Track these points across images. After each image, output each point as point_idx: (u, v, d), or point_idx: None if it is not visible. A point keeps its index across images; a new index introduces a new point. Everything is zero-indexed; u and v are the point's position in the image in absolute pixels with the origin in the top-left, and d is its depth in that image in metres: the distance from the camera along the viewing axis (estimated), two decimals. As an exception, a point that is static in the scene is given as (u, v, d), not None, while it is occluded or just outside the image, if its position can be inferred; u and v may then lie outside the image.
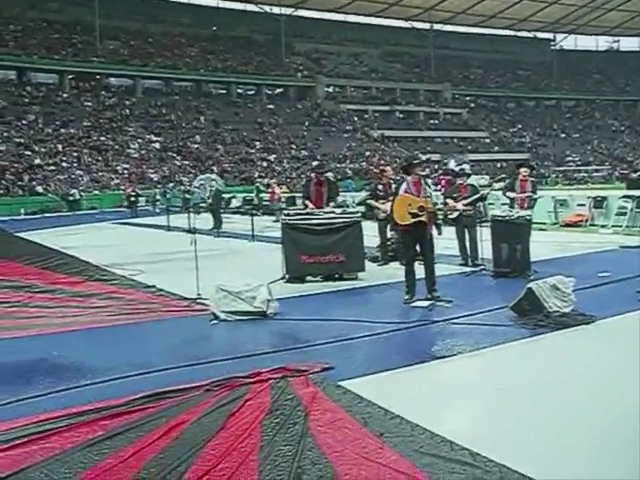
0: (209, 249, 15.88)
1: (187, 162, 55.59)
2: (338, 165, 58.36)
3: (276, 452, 4.35)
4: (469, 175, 13.19)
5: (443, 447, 4.42)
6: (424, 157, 10.09)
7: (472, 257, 12.32)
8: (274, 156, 61.02)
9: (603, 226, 18.77)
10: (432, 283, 9.40)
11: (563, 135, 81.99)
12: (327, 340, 7.34)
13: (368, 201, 13.64)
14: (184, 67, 68.47)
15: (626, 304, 8.66)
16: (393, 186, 11.73)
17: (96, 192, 46.81)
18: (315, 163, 17.19)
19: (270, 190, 29.44)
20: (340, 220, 11.36)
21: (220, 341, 7.73)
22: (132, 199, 38.13)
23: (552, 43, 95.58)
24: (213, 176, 27.64)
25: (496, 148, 74.24)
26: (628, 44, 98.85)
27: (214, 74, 70.00)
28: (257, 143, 62.80)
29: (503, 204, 12.79)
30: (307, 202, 12.04)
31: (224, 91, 71.96)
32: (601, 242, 15.54)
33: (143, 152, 55.34)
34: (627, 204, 18.56)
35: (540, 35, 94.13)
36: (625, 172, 64.73)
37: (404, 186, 9.48)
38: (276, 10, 77.06)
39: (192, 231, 11.86)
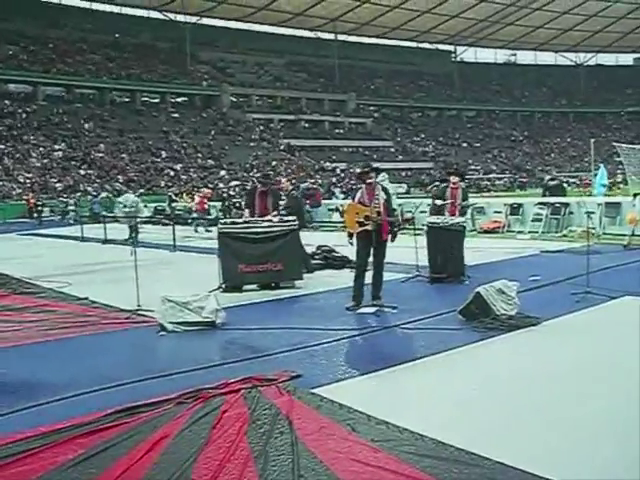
0: (138, 260, 15.47)
1: (92, 171, 54.16)
2: (245, 174, 58.06)
3: (272, 462, 4.28)
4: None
5: (438, 448, 4.46)
6: (375, 164, 9.98)
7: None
8: (180, 165, 60.22)
9: (520, 232, 19.33)
10: (378, 290, 9.45)
11: (465, 144, 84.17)
12: (285, 348, 7.27)
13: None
14: (87, 74, 66.85)
15: (564, 306, 8.99)
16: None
17: (-4, 202, 45.00)
18: (259, 173, 17.13)
19: (200, 200, 28.64)
20: (277, 228, 11.29)
21: (174, 352, 7.51)
22: (38, 209, 37.00)
23: (453, 55, 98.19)
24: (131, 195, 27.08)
25: (400, 157, 75.48)
26: (525, 57, 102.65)
27: (117, 81, 68.58)
28: (163, 152, 61.82)
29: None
30: (246, 211, 11.91)
31: (128, 99, 70.68)
32: (521, 247, 15.98)
33: (45, 161, 53.62)
34: (542, 211, 19.20)
35: (442, 47, 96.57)
36: (524, 180, 67.04)
37: (359, 194, 9.53)
38: (180, 18, 76.36)
39: (131, 242, 11.47)
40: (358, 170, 10.13)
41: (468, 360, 6.83)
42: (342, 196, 49.51)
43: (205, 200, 28.70)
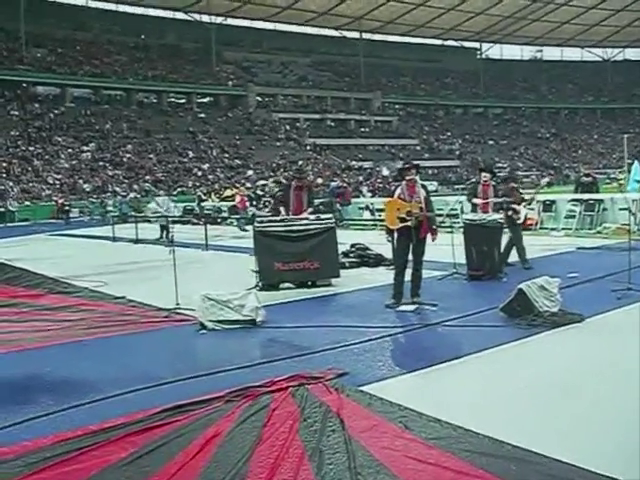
0: (167, 259, 15.52)
1: (119, 172, 54.64)
2: (272, 174, 58.12)
3: (328, 460, 4.24)
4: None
5: (494, 446, 4.39)
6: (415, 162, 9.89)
7: (504, 262, 12.21)
8: (207, 165, 60.49)
9: (553, 229, 19.14)
10: (417, 287, 9.39)
11: (491, 142, 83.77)
12: (327, 346, 7.23)
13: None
14: (113, 75, 67.34)
15: (606, 303, 8.86)
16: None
17: (27, 203, 45.43)
18: (295, 168, 17.03)
19: (241, 198, 28.45)
20: (314, 226, 11.26)
21: (217, 351, 7.51)
22: (65, 209, 37.32)
23: (479, 52, 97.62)
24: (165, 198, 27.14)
25: (426, 155, 75.16)
26: (551, 53, 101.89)
27: (144, 83, 69.01)
28: (189, 152, 62.15)
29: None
30: (282, 208, 11.87)
31: (155, 100, 71.13)
32: (557, 244, 15.85)
33: (74, 162, 54.14)
34: (575, 207, 19.00)
35: (467, 44, 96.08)
36: (552, 177, 66.39)
37: (399, 190, 9.47)
38: (205, 18, 76.65)
39: (169, 241, 11.35)
40: (399, 166, 10.06)
41: (514, 357, 6.75)
42: (369, 194, 49.45)
43: (246, 198, 28.43)
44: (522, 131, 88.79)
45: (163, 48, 74.86)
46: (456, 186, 60.72)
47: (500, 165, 70.69)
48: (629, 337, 7.30)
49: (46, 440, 4.76)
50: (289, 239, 11.17)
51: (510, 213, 12.26)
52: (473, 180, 14.20)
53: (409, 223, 9.20)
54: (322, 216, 11.77)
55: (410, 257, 9.50)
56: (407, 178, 9.42)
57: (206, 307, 8.44)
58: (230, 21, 79.27)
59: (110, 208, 38.75)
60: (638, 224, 16.88)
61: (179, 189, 51.01)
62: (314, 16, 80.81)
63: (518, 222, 12.37)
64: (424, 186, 9.70)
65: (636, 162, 25.05)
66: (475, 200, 12.32)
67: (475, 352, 6.78)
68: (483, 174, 12.35)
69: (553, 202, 20.00)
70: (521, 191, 12.76)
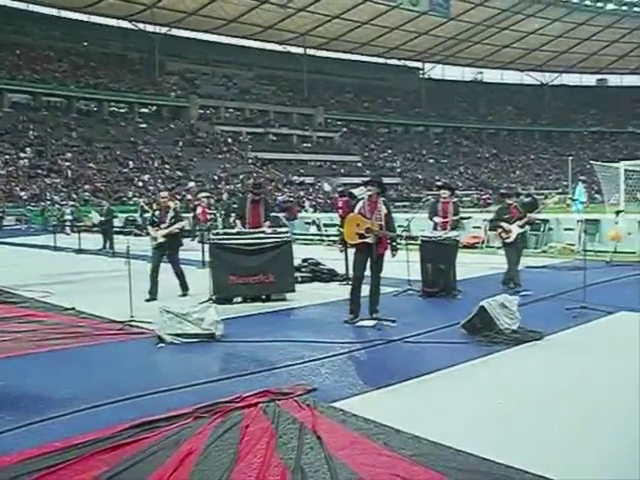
0: (116, 269, 15.23)
1: (58, 180, 53.49)
2: (212, 187, 57.68)
3: (311, 478, 4.15)
4: (519, 195, 12.95)
5: (478, 463, 4.39)
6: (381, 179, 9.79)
7: (507, 278, 11.98)
8: (148, 176, 59.72)
9: (499, 247, 19.33)
10: (376, 303, 9.36)
11: (431, 160, 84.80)
12: (292, 362, 7.14)
13: (148, 227, 12.73)
14: (54, 82, 66.08)
15: (562, 321, 9.02)
16: (170, 214, 12.00)
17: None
18: (251, 181, 16.82)
19: (202, 210, 26.54)
20: (270, 240, 11.15)
21: (178, 365, 7.32)
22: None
23: (421, 72, 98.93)
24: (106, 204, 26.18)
25: (368, 172, 75.29)
26: (491, 75, 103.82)
27: (85, 90, 67.87)
28: (130, 162, 61.28)
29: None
30: (237, 221, 11.72)
31: (95, 108, 70.03)
32: (504, 262, 15.95)
33: (11, 169, 52.84)
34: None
35: (410, 64, 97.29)
36: (487, 197, 67.63)
37: (359, 205, 9.42)
38: (150, 28, 75.95)
39: (112, 253, 11.09)
40: (365, 181, 10.01)
41: (480, 374, 6.76)
42: (311, 209, 49.48)
43: (208, 209, 26.78)
44: (462, 150, 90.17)
45: (106, 56, 73.83)
46: (397, 203, 61.24)
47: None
48: (587, 354, 7.47)
49: (10, 459, 4.55)
50: (244, 252, 11.03)
51: (499, 231, 12.13)
52: (429, 197, 14.24)
53: (368, 240, 9.17)
54: (279, 230, 11.68)
55: (368, 273, 9.47)
56: (370, 195, 9.40)
57: (164, 320, 8.24)
58: (175, 32, 78.71)
59: (68, 217, 36.17)
60: (582, 244, 17.18)
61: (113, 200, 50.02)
62: (259, 30, 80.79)
63: (507, 241, 12.02)
64: (386, 203, 9.67)
65: (579, 183, 25.67)
66: (435, 218, 12.30)
67: (442, 369, 6.76)
68: (442, 191, 12.38)
69: (499, 221, 20.23)
70: (520, 209, 12.35)
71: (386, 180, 69.35)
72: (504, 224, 11.91)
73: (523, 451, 4.64)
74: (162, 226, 11.91)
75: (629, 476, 4.25)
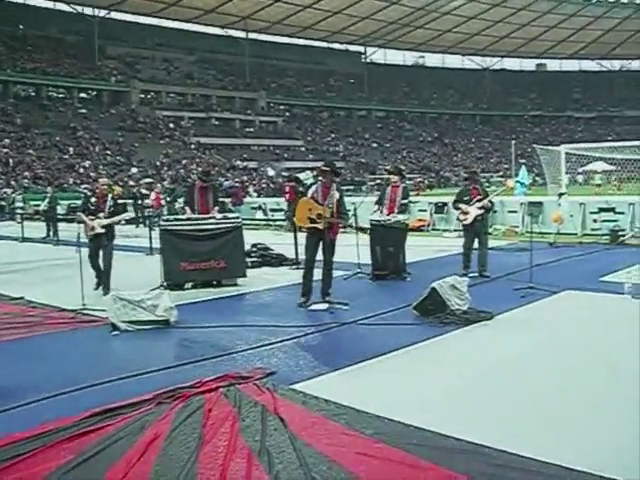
0: (62, 257, 15.06)
1: (-5, 167, 52.26)
2: (154, 173, 56.99)
3: (277, 459, 4.22)
4: (477, 180, 12.46)
5: (436, 439, 4.53)
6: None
7: (481, 266, 11.60)
8: (89, 162, 58.70)
9: (445, 230, 19.69)
10: (328, 286, 9.47)
11: (375, 144, 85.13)
12: (248, 346, 7.21)
13: (78, 213, 11.52)
14: (-12, 66, 64.37)
15: (511, 300, 9.34)
16: (108, 202, 10.98)
17: None
18: (200, 169, 16.66)
19: (156, 196, 26.62)
20: (221, 226, 11.16)
21: (134, 352, 7.31)
22: None
23: (363, 56, 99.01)
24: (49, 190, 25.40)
25: (311, 156, 75.43)
26: (433, 60, 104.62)
27: (22, 75, 66.15)
28: (70, 148, 60.07)
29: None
30: (187, 208, 11.67)
31: (33, 93, 68.41)
32: (449, 245, 16.25)
33: (-56, 156, 51.46)
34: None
35: (352, 48, 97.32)
36: (432, 180, 68.44)
37: (313, 189, 9.51)
38: (88, 11, 74.38)
39: (56, 241, 10.83)
40: (319, 166, 10.06)
41: (434, 353, 6.96)
42: (255, 194, 49.38)
43: (161, 196, 26.65)
44: (405, 135, 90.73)
45: (43, 40, 71.92)
46: (341, 187, 61.36)
47: (382, 167, 72.07)
48: (535, 332, 7.72)
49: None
50: (195, 238, 11.03)
51: (458, 214, 12.10)
52: (378, 182, 14.31)
53: (319, 225, 9.27)
54: (229, 215, 11.69)
55: (319, 257, 9.57)
56: (323, 180, 9.50)
57: (117, 307, 8.21)
58: (114, 15, 76.99)
59: (19, 204, 33.34)
60: (526, 226, 17.56)
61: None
62: (200, 14, 79.71)
63: (464, 223, 11.87)
64: (339, 189, 9.78)
65: (523, 167, 26.15)
66: (376, 207, 12.43)
67: (396, 349, 6.91)
68: (392, 176, 12.51)
69: (445, 204, 20.54)
70: (482, 190, 12.14)
71: (330, 164, 69.97)
72: (462, 205, 11.80)
73: (477, 425, 4.81)
74: (101, 215, 10.89)
75: (575, 445, 4.44)
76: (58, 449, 4.47)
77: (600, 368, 6.16)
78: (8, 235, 22.76)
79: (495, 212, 19.26)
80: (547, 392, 5.59)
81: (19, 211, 28.90)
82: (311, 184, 9.83)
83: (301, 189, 11.48)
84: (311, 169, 10.24)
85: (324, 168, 9.65)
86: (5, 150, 54.96)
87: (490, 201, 11.91)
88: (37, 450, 4.44)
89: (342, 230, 10.09)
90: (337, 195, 9.49)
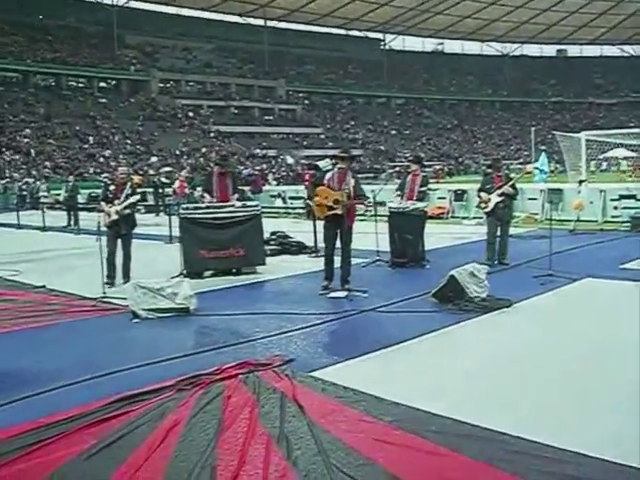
0: (83, 246, 15.19)
1: (17, 157, 52.60)
2: (174, 161, 57.17)
3: (296, 445, 4.26)
4: (499, 167, 12.37)
5: (455, 425, 4.55)
6: (355, 152, 9.90)
7: (501, 254, 11.57)
8: (109, 152, 58.98)
9: (464, 218, 19.63)
10: (347, 274, 9.51)
11: (394, 132, 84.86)
12: (268, 333, 7.25)
13: (100, 202, 11.35)
14: (9, 56, 64.65)
15: (531, 288, 9.29)
16: (126, 191, 10.86)
17: None
18: (216, 155, 16.63)
19: (180, 184, 26.13)
20: (240, 214, 11.19)
21: (155, 339, 7.36)
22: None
23: (382, 43, 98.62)
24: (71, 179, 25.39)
25: (330, 144, 75.12)
26: (452, 46, 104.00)
27: (42, 65, 66.51)
28: (90, 138, 60.36)
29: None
30: (206, 195, 11.70)
31: (53, 83, 68.77)
32: (469, 232, 16.24)
33: (-32, 146, 51.89)
34: (486, 197, 19.50)
35: (371, 35, 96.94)
36: (452, 167, 68.16)
37: (328, 175, 9.56)
38: (107, 0, 74.74)
39: (78, 230, 10.83)
40: (336, 153, 10.08)
41: (453, 341, 6.96)
42: (275, 182, 49.43)
43: (185, 184, 26.25)
44: (424, 122, 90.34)
45: (63, 30, 72.29)
46: (359, 175, 61.32)
47: (401, 155, 71.87)
48: (554, 320, 7.70)
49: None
50: (214, 226, 11.07)
51: (479, 201, 12.04)
52: (396, 170, 14.30)
53: (337, 211, 9.31)
54: (248, 203, 11.72)
55: (338, 245, 9.62)
56: (339, 167, 9.53)
57: (138, 295, 8.29)
58: (133, 4, 77.41)
59: (44, 193, 33.47)
60: (546, 213, 17.47)
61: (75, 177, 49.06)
62: (219, 2, 79.83)
63: (485, 210, 11.83)
64: (354, 175, 9.85)
65: (543, 154, 25.98)
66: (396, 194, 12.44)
67: (415, 337, 6.92)
68: (412, 165, 12.54)
69: (464, 192, 20.50)
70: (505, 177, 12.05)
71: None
72: (483, 194, 11.78)
73: (495, 412, 4.82)
74: (116, 202, 10.84)
75: (597, 434, 4.43)
76: (81, 434, 4.54)
77: (620, 355, 6.13)
78: (30, 224, 22.91)
79: (515, 199, 19.22)
80: (566, 379, 5.59)
81: (43, 200, 29.02)
82: (326, 171, 9.84)
83: (316, 175, 11.44)
84: (330, 157, 10.25)
85: (342, 154, 9.69)
86: (26, 140, 55.35)
87: (512, 186, 11.80)
88: (60, 435, 4.51)
89: (361, 218, 10.13)
90: (353, 181, 9.54)
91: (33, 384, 5.71)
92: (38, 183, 37.11)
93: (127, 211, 10.87)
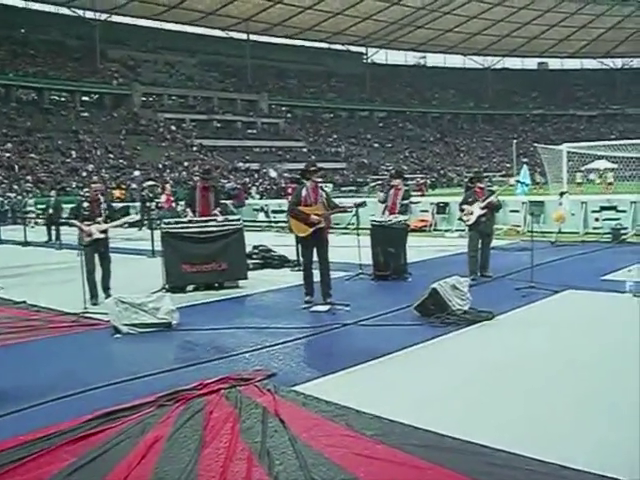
0: (65, 261, 15.11)
1: (-2, 172, 52.33)
2: (157, 175, 57.00)
3: (277, 461, 4.24)
4: (481, 180, 12.20)
5: (436, 439, 4.54)
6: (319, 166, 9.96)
7: (483, 267, 11.51)
8: (91, 166, 58.72)
9: (447, 230, 19.69)
10: (328, 287, 9.52)
11: (376, 145, 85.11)
12: (249, 348, 7.23)
13: (71, 221, 11.03)
14: (-10, 70, 64.45)
15: (512, 300, 9.34)
16: (102, 206, 10.63)
17: None
18: (199, 169, 16.62)
19: (167, 197, 26.14)
20: (222, 228, 11.18)
21: (136, 355, 7.33)
22: None
23: (364, 57, 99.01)
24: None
25: (313, 157, 75.18)
26: (434, 60, 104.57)
27: (24, 79, 66.29)
28: (73, 152, 60.14)
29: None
30: (188, 210, 11.68)
31: (35, 97, 68.52)
32: (452, 245, 16.26)
33: (-53, 160, 51.53)
34: (467, 209, 19.58)
35: (353, 49, 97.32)
36: (434, 180, 68.39)
37: (304, 192, 9.56)
38: (90, 15, 74.51)
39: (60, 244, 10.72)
40: (304, 169, 10.08)
41: (436, 354, 6.97)
42: (258, 196, 49.41)
43: (172, 197, 26.24)
44: (407, 135, 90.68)
45: (45, 44, 72.01)
46: (343, 188, 61.62)
47: (384, 168, 72.04)
48: (536, 332, 7.71)
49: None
50: (196, 240, 11.06)
51: (462, 214, 11.96)
52: (378, 183, 14.35)
53: (321, 225, 9.37)
54: (230, 217, 11.72)
55: (315, 258, 9.66)
56: (314, 180, 9.57)
57: (119, 310, 8.24)
58: (115, 18, 77.22)
59: (31, 208, 33.35)
60: (528, 225, 17.54)
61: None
62: (201, 16, 79.89)
63: (468, 223, 11.71)
64: (322, 187, 9.98)
65: (524, 166, 26.13)
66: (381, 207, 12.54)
67: (397, 350, 6.92)
68: (394, 180, 12.59)
69: (446, 204, 20.56)
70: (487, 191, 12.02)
71: (331, 165, 70.04)
72: (465, 206, 11.66)
73: (479, 426, 4.81)
74: (99, 220, 10.45)
75: (581, 445, 4.44)
76: (60, 452, 4.50)
77: (601, 367, 6.17)
78: (11, 239, 22.77)
79: (498, 212, 19.32)
80: (548, 392, 5.60)
81: (30, 215, 28.82)
82: (300, 189, 9.82)
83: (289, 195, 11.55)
84: (300, 174, 10.33)
85: (312, 169, 9.71)
86: (8, 154, 55.04)
87: (497, 199, 11.78)
88: (39, 453, 4.47)
89: (344, 231, 10.15)
90: (324, 193, 9.76)
91: (11, 401, 5.66)
92: (26, 198, 37.02)
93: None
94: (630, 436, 4.48)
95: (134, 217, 11.07)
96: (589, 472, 3.97)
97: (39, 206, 31.77)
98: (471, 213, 11.57)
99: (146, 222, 25.85)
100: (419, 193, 40.50)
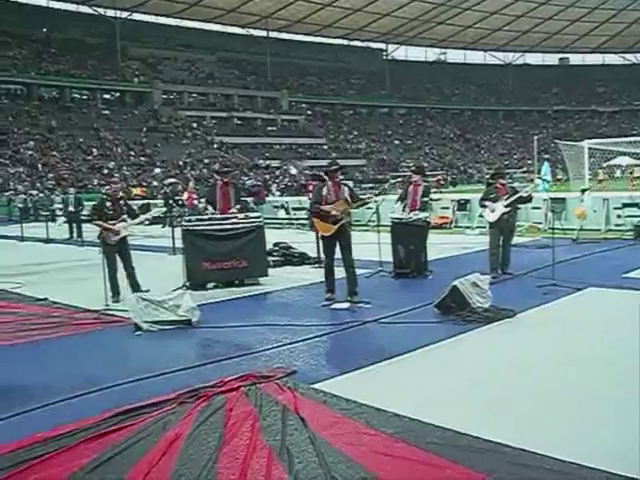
0: (86, 259, 15.20)
1: (21, 169, 52.75)
2: (177, 172, 57.25)
3: (297, 458, 4.24)
4: (501, 175, 12.13)
5: (456, 437, 4.52)
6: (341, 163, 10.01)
7: (503, 264, 11.40)
8: (113, 163, 59.08)
9: (468, 227, 19.61)
10: (354, 285, 9.52)
11: (397, 142, 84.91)
12: (270, 345, 7.25)
13: (95, 222, 10.68)
14: (13, 69, 64.92)
15: (533, 298, 9.21)
16: (122, 203, 10.65)
17: None
18: (217, 166, 16.71)
19: (189, 195, 25.98)
20: (242, 225, 11.20)
21: (157, 352, 7.36)
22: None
23: (384, 53, 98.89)
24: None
25: (334, 154, 75.20)
26: (454, 56, 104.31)
27: (46, 77, 66.80)
28: (94, 150, 60.55)
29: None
30: (209, 207, 11.72)
31: (57, 95, 68.97)
32: (473, 242, 16.19)
33: (-29, 158, 52.05)
34: (488, 206, 19.49)
35: (373, 45, 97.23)
36: (455, 177, 68.19)
37: (324, 191, 9.57)
38: (110, 13, 74.91)
39: (81, 242, 10.72)
40: (325, 168, 10.08)
41: (456, 352, 6.93)
42: (278, 193, 49.41)
43: (194, 195, 25.83)
44: (427, 131, 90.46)
45: (66, 42, 72.55)
46: (363, 185, 61.51)
47: (405, 165, 71.85)
48: (558, 330, 7.63)
49: (-3, 448, 4.59)
50: (217, 238, 11.09)
51: (483, 211, 11.85)
52: (398, 180, 14.31)
53: (343, 221, 9.38)
54: (250, 214, 11.73)
55: (338, 255, 9.65)
56: (336, 180, 9.59)
57: (140, 308, 8.29)
58: (135, 16, 77.71)
59: (58, 205, 31.88)
60: (549, 222, 17.43)
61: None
62: (221, 13, 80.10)
63: (490, 220, 11.50)
64: (346, 184, 9.99)
65: (545, 163, 25.99)
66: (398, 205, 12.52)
67: (417, 348, 6.89)
68: (413, 175, 12.54)
69: (467, 201, 20.49)
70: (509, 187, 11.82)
71: (352, 162, 69.95)
72: (488, 202, 11.45)
73: (498, 424, 4.79)
74: (125, 217, 10.48)
75: (599, 445, 4.39)
76: (81, 449, 4.52)
77: (624, 366, 6.09)
78: (33, 236, 22.95)
79: (518, 209, 19.23)
80: (569, 390, 5.55)
81: (58, 213, 28.91)
82: (320, 187, 9.82)
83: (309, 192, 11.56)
84: (320, 175, 10.38)
85: (332, 169, 9.72)
86: (30, 152, 55.49)
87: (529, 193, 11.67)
88: (60, 450, 4.50)
89: (364, 229, 10.15)
90: (347, 189, 9.79)
91: (34, 397, 5.72)
92: (52, 195, 37.22)
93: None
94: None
95: (159, 210, 11.07)
96: (608, 471, 3.93)
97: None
98: (493, 210, 11.46)
99: (168, 219, 25.94)
100: (436, 190, 40.34)
